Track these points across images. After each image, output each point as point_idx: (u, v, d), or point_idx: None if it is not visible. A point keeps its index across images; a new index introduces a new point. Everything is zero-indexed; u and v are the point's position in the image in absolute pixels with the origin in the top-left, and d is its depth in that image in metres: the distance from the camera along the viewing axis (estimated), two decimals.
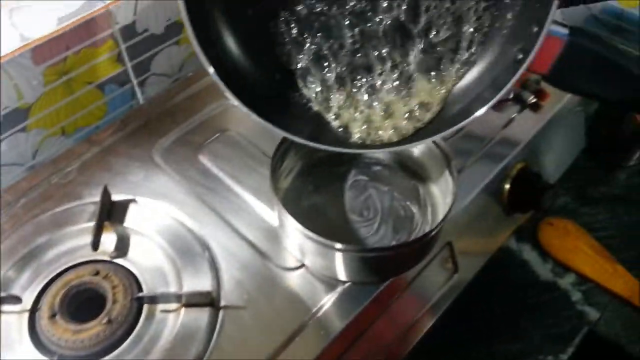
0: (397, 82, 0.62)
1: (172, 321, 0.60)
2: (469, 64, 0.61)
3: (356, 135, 0.62)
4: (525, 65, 0.53)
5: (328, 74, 0.63)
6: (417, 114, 0.61)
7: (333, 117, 0.62)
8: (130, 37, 0.82)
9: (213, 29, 0.59)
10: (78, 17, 0.76)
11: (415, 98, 0.62)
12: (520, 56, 0.55)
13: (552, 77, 0.58)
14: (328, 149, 0.60)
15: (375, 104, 0.63)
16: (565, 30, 0.56)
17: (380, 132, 0.61)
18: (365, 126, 0.62)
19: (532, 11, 0.55)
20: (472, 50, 0.61)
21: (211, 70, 0.55)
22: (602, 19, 1.05)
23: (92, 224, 0.65)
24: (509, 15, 0.58)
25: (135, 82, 0.87)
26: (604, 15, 1.05)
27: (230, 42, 0.60)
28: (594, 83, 0.60)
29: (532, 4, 0.55)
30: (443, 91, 0.62)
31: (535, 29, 0.53)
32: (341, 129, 0.62)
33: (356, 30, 0.62)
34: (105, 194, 0.68)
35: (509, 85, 0.54)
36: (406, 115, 0.61)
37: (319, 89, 0.63)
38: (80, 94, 0.81)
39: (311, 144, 0.59)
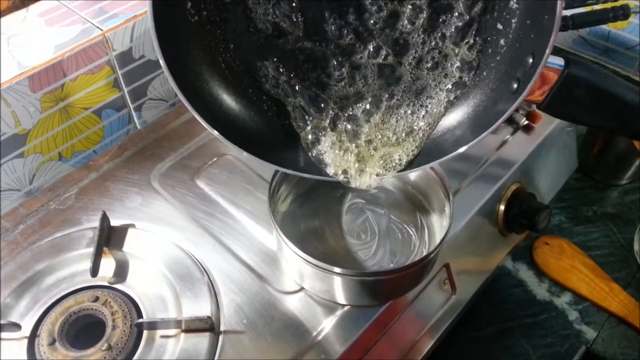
0: (382, 118, 0.63)
1: (172, 347, 0.60)
2: (462, 90, 0.61)
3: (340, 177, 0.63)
4: (521, 98, 0.52)
5: (316, 111, 0.63)
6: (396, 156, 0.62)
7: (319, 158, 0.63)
8: (127, 63, 0.83)
9: (194, 70, 0.59)
10: (75, 45, 0.76)
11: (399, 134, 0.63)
12: (515, 86, 0.54)
13: (546, 106, 0.58)
14: (322, 179, 0.62)
15: (354, 145, 0.63)
16: (561, 62, 0.56)
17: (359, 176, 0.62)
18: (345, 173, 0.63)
19: (527, 40, 0.54)
20: (465, 77, 0.60)
21: (190, 107, 0.55)
22: (590, 41, 1.07)
23: (90, 249, 0.65)
24: (502, 42, 0.57)
25: (131, 107, 0.88)
26: (592, 37, 1.07)
27: (216, 86, 0.61)
28: (589, 112, 0.60)
29: (526, 32, 0.54)
30: (427, 125, 0.62)
31: (530, 60, 0.52)
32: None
33: (344, 66, 0.62)
34: (104, 219, 0.68)
35: (505, 117, 0.54)
36: (381, 162, 0.62)
37: (306, 125, 0.64)
38: (77, 120, 0.82)
39: (306, 175, 0.61)
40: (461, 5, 0.57)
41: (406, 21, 0.58)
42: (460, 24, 0.58)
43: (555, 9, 0.48)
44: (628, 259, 0.91)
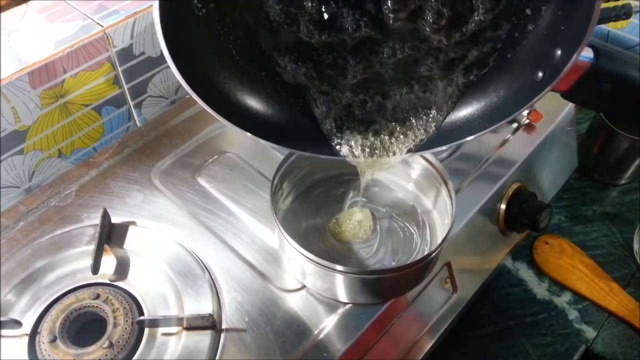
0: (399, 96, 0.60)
1: (173, 344, 0.60)
2: (482, 71, 0.57)
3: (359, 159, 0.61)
4: (545, 92, 0.50)
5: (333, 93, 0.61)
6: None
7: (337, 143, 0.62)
8: (127, 60, 0.83)
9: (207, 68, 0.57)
10: (75, 41, 0.76)
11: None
12: (541, 75, 0.52)
13: (569, 95, 0.56)
14: (339, 159, 0.61)
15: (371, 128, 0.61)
16: (589, 54, 0.53)
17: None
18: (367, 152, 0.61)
19: (557, 32, 0.51)
20: (489, 59, 0.56)
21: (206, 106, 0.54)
22: (590, 40, 1.07)
23: (91, 247, 0.65)
24: (530, 27, 0.53)
25: (131, 104, 0.88)
26: (591, 37, 1.07)
27: (227, 75, 0.58)
28: (614, 104, 0.58)
29: (557, 23, 0.51)
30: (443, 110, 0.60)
31: (559, 53, 0.50)
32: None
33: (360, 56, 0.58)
34: (105, 216, 0.67)
35: (527, 107, 0.52)
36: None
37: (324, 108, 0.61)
38: (77, 116, 0.81)
39: (322, 156, 0.60)
40: None
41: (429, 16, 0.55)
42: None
43: (592, 9, 0.45)
44: (627, 258, 0.91)
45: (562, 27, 0.50)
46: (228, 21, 0.56)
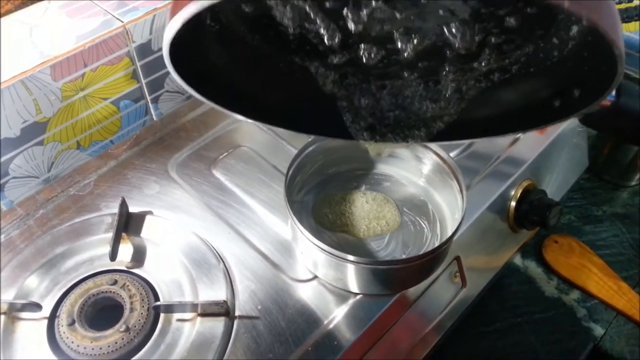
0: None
1: (188, 330, 0.61)
2: (503, 76, 0.54)
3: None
4: (557, 122, 0.50)
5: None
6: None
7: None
8: (146, 55, 0.85)
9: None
10: (96, 36, 0.78)
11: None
12: (558, 103, 0.51)
13: (586, 122, 0.57)
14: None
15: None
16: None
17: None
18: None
19: (580, 71, 0.48)
20: (512, 67, 0.54)
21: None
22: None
23: (109, 235, 0.67)
24: (555, 53, 0.50)
25: (149, 98, 0.90)
26: None
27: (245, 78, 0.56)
28: (631, 135, 0.58)
29: (582, 62, 0.47)
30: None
31: (578, 91, 0.48)
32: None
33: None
34: (123, 205, 0.69)
35: (540, 128, 0.53)
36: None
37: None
38: (96, 109, 0.83)
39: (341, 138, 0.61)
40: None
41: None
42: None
43: (613, 77, 0.42)
44: (637, 258, 0.91)
45: (586, 68, 0.48)
46: (243, 30, 0.54)
